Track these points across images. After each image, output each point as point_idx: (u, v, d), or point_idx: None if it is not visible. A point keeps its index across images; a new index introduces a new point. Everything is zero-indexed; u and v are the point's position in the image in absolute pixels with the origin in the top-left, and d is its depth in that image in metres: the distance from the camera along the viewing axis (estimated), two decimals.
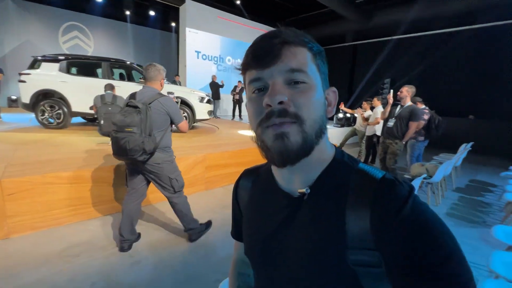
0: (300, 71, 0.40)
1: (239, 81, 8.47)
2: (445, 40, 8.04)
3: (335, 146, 0.48)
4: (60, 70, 4.78)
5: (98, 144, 3.68)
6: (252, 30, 10.46)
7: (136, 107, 1.81)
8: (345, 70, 11.09)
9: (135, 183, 2.07)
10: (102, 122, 3.45)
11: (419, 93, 3.93)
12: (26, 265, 1.86)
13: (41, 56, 4.88)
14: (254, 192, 0.56)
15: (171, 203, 2.15)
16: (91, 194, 2.55)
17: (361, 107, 5.60)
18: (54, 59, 4.84)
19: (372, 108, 5.29)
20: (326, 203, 0.42)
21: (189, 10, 8.85)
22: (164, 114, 1.95)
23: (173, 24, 12.54)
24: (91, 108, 4.67)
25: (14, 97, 8.77)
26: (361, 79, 10.24)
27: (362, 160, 5.58)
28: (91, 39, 10.96)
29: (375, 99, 5.12)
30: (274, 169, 0.49)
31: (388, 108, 3.49)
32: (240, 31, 10.29)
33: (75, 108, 4.83)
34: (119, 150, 1.80)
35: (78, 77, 4.90)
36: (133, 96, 1.96)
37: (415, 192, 0.38)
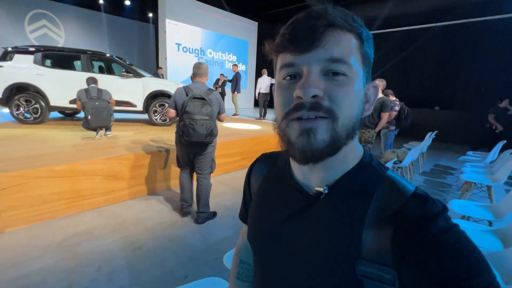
0: (342, 61, 0.35)
1: (221, 74, 8.49)
2: (414, 37, 8.61)
3: (363, 147, 0.45)
4: (35, 62, 4.58)
5: (83, 139, 3.64)
6: (233, 23, 10.45)
7: (203, 99, 2.21)
8: None
9: (187, 163, 2.51)
10: (89, 117, 3.43)
11: (391, 86, 4.30)
12: (28, 256, 1.92)
13: (13, 48, 4.64)
14: (268, 179, 0.54)
15: (200, 181, 2.50)
16: (83, 187, 2.59)
17: None
18: (28, 51, 4.62)
19: None
20: (344, 207, 0.39)
21: (169, 1, 8.66)
22: (217, 105, 2.35)
23: (151, 15, 12.15)
24: (72, 102, 4.57)
25: None
26: None
27: None
28: (62, 29, 10.35)
29: None
30: (292, 161, 0.46)
31: None
32: (221, 24, 10.24)
33: (53, 102, 4.67)
34: (197, 135, 2.21)
35: (56, 69, 4.72)
36: (187, 89, 2.29)
37: (447, 212, 0.35)
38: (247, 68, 11.41)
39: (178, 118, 2.36)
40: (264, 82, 7.70)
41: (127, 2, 11.18)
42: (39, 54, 4.63)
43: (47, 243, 2.09)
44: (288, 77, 0.38)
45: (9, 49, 4.63)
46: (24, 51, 4.60)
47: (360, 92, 0.38)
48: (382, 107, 3.58)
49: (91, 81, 3.76)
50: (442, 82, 8.52)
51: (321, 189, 0.41)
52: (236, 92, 7.93)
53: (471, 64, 7.86)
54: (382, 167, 0.42)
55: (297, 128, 0.36)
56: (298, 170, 0.45)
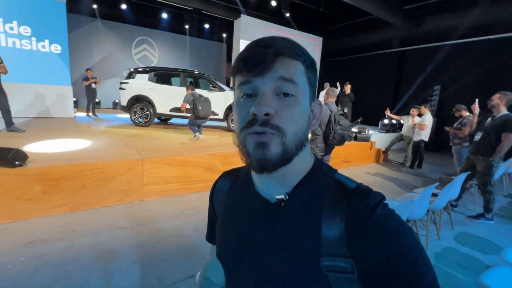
0: (291, 81, 0.40)
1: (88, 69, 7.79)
2: (502, 46, 7.72)
3: (314, 155, 0.50)
4: (149, 79, 5.98)
5: (190, 140, 4.65)
6: (299, 40, 11.10)
7: (343, 115, 3.10)
8: (391, 76, 11.05)
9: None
10: (199, 107, 4.53)
11: (471, 100, 3.91)
12: (162, 217, 2.75)
13: (135, 68, 6.16)
14: (231, 195, 0.56)
15: None
16: (192, 174, 3.43)
17: (409, 113, 5.86)
18: (145, 71, 6.07)
19: (420, 115, 5.52)
20: (303, 211, 0.43)
21: (244, 23, 9.84)
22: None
23: (224, 35, 13.78)
24: (172, 110, 5.78)
25: (117, 101, 10.84)
26: (408, 85, 10.15)
27: (408, 164, 5.82)
28: (156, 51, 12.66)
29: (423, 106, 5.37)
30: (253, 173, 0.50)
31: (475, 120, 3.32)
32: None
33: (158, 110, 5.98)
34: (342, 140, 2.97)
35: (161, 85, 6.05)
36: (328, 107, 3.04)
37: (386, 201, 0.40)
38: None
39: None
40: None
41: (207, 26, 13.00)
42: (152, 73, 6.04)
43: (173, 211, 2.91)
44: (245, 96, 0.42)
45: (132, 69, 6.17)
46: (142, 71, 6.07)
47: (306, 111, 0.43)
48: (504, 126, 2.84)
49: (192, 89, 4.85)
50: None
51: (281, 197, 0.44)
52: None
53: None
54: (331, 170, 0.47)
55: (253, 141, 0.40)
56: (259, 181, 0.49)
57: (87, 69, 7.56)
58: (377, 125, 8.73)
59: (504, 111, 2.92)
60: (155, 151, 3.57)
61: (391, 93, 11.00)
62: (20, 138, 3.72)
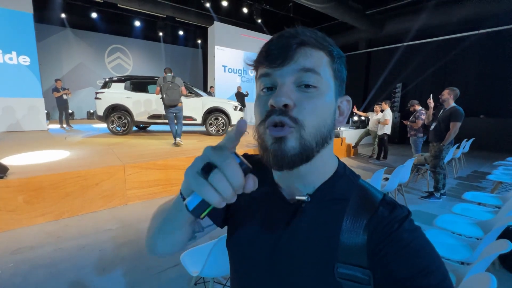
0: (313, 71, 0.38)
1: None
2: (453, 45, 8.62)
3: (337, 158, 0.48)
4: (125, 88, 6.05)
5: (169, 144, 4.80)
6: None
7: None
8: (360, 76, 11.82)
9: None
10: (165, 95, 4.45)
11: (428, 95, 4.37)
12: (146, 217, 2.92)
13: (110, 78, 6.19)
14: None
15: None
16: (173, 177, 3.61)
17: (373, 110, 6.42)
18: (120, 80, 6.12)
19: (382, 111, 6.08)
20: (324, 214, 0.42)
21: (217, 30, 10.09)
22: None
23: (199, 41, 13.95)
24: (149, 117, 5.89)
25: (91, 111, 10.61)
26: (374, 84, 10.95)
27: (375, 156, 6.35)
28: (130, 59, 12.56)
29: (383, 103, 5.93)
30: (273, 170, 0.47)
31: (430, 112, 3.73)
32: (260, 45, 11.43)
33: (136, 118, 6.06)
34: None
35: (138, 93, 6.14)
36: None
37: (411, 217, 0.39)
38: None
39: None
40: None
41: (181, 32, 13.10)
42: (128, 82, 6.11)
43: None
44: (265, 89, 0.41)
45: (107, 79, 6.20)
46: (118, 80, 6.12)
47: (331, 105, 0.41)
48: (451, 116, 3.35)
49: (168, 70, 4.67)
50: (486, 90, 8.31)
51: (303, 198, 0.43)
52: None
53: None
54: (355, 176, 0.46)
55: (271, 136, 0.39)
56: (280, 179, 0.47)
57: (56, 80, 7.39)
58: (348, 122, 9.32)
59: (452, 104, 3.42)
60: (136, 157, 3.71)
61: (361, 91, 11.76)
62: None
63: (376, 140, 6.29)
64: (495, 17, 7.61)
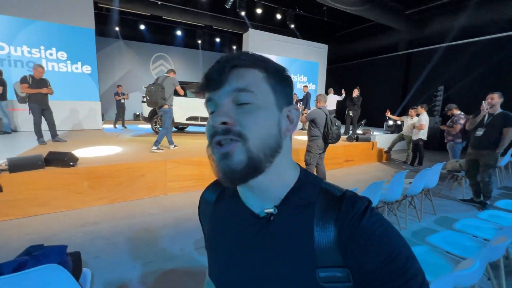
0: (246, 90, 0.40)
1: (294, 93, 9.65)
2: (501, 45, 7.86)
3: (299, 166, 0.49)
4: None
5: (203, 144, 5.27)
6: (304, 48, 11.65)
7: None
8: (397, 78, 11.28)
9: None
10: (147, 97, 4.42)
11: (473, 98, 4.21)
12: (183, 206, 3.33)
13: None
14: (218, 207, 0.54)
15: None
16: (206, 173, 4.01)
17: (408, 114, 6.19)
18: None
19: (418, 115, 5.85)
20: (294, 223, 0.42)
21: (251, 36, 10.55)
22: None
23: (234, 47, 14.60)
24: (188, 119, 6.43)
25: (137, 113, 11.94)
26: (414, 86, 10.38)
27: (409, 162, 6.11)
28: (172, 65, 13.65)
29: (419, 106, 5.71)
30: (238, 186, 0.48)
31: (479, 118, 3.50)
32: (293, 50, 11.61)
33: (176, 119, 6.68)
34: (338, 138, 3.57)
35: (177, 97, 6.76)
36: (323, 111, 3.58)
37: (372, 205, 0.40)
38: (316, 87, 12.34)
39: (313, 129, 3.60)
40: (330, 100, 8.45)
41: (217, 39, 13.88)
42: None
43: (192, 202, 3.49)
44: (212, 113, 0.43)
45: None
46: None
47: (273, 116, 0.42)
48: (505, 121, 3.19)
49: (168, 71, 4.69)
50: None
51: (270, 210, 0.44)
52: (307, 109, 8.94)
53: None
54: (318, 180, 0.46)
55: (217, 154, 0.41)
56: (244, 195, 0.48)
57: (118, 86, 8.60)
58: (382, 127, 9.01)
59: (499, 109, 3.30)
60: (175, 154, 4.19)
61: (399, 94, 11.22)
62: (64, 147, 4.48)
63: (411, 145, 6.05)
64: None
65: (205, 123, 5.15)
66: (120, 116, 8.52)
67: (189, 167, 3.89)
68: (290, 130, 0.45)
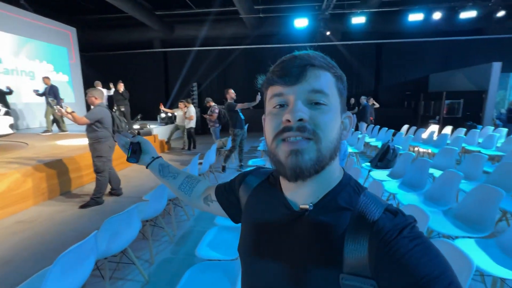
0: (322, 92, 0.42)
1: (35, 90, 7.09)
2: (228, 54, 11.34)
3: (343, 169, 0.50)
4: None
5: None
6: (42, 27, 8.86)
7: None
8: (159, 74, 12.24)
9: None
10: None
11: (215, 94, 5.86)
12: None
13: None
14: (257, 193, 0.57)
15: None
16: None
17: (177, 107, 7.15)
18: None
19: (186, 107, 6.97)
20: (327, 224, 0.43)
21: None
22: None
23: None
24: None
25: None
26: (174, 83, 11.88)
27: (186, 148, 7.20)
28: None
29: (185, 101, 6.94)
30: (282, 178, 0.50)
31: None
32: (24, 26, 8.40)
33: None
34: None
35: None
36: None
37: (416, 224, 0.39)
38: (70, 78, 10.02)
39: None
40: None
41: None
42: None
43: None
44: (278, 106, 0.44)
45: None
46: None
47: (338, 120, 0.45)
48: (228, 108, 4.79)
49: None
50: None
51: (306, 206, 0.45)
52: (59, 106, 7.10)
53: None
54: (360, 187, 0.47)
55: (285, 149, 0.41)
56: (287, 187, 0.49)
57: None
58: (157, 119, 9.58)
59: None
60: None
61: (163, 89, 12.28)
62: None
63: (185, 133, 7.12)
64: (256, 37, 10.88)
65: None
66: None
67: None
68: (345, 136, 0.48)
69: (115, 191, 3.70)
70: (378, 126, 7.20)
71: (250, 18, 9.51)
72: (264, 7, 9.40)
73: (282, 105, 0.44)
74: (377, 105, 8.42)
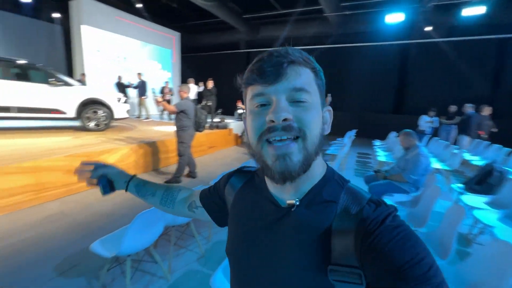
0: (304, 90, 0.41)
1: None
2: (309, 53, 11.14)
3: (326, 163, 0.50)
4: None
5: (35, 144, 3.90)
6: (154, 33, 10.91)
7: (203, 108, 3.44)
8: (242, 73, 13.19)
9: None
10: None
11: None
12: (15, 231, 2.49)
13: None
14: (242, 193, 0.57)
15: None
16: (47, 180, 3.12)
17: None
18: None
19: None
20: (314, 217, 0.43)
21: (85, 6, 8.56)
22: None
23: (57, 15, 11.20)
24: None
25: None
26: None
27: None
28: None
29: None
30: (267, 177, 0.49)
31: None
32: (142, 33, 10.57)
33: None
34: (203, 127, 3.87)
35: None
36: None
37: (397, 213, 0.40)
38: (172, 75, 12.04)
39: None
40: (191, 90, 8.70)
41: (28, 0, 10.06)
42: None
43: (29, 222, 2.65)
44: (260, 106, 0.43)
45: None
46: None
47: (319, 115, 0.44)
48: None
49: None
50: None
51: (292, 202, 0.45)
52: (143, 97, 8.85)
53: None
54: (343, 180, 0.48)
55: (272, 153, 0.41)
56: (272, 185, 0.49)
57: None
58: (233, 115, 10.36)
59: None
60: None
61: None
62: None
63: None
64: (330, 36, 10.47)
65: (24, 115, 4.09)
66: None
67: (19, 176, 2.88)
68: (326, 130, 0.47)
69: (192, 174, 4.26)
70: (489, 142, 5.77)
71: (334, 16, 9.12)
72: (351, 4, 8.84)
73: (263, 105, 0.43)
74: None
